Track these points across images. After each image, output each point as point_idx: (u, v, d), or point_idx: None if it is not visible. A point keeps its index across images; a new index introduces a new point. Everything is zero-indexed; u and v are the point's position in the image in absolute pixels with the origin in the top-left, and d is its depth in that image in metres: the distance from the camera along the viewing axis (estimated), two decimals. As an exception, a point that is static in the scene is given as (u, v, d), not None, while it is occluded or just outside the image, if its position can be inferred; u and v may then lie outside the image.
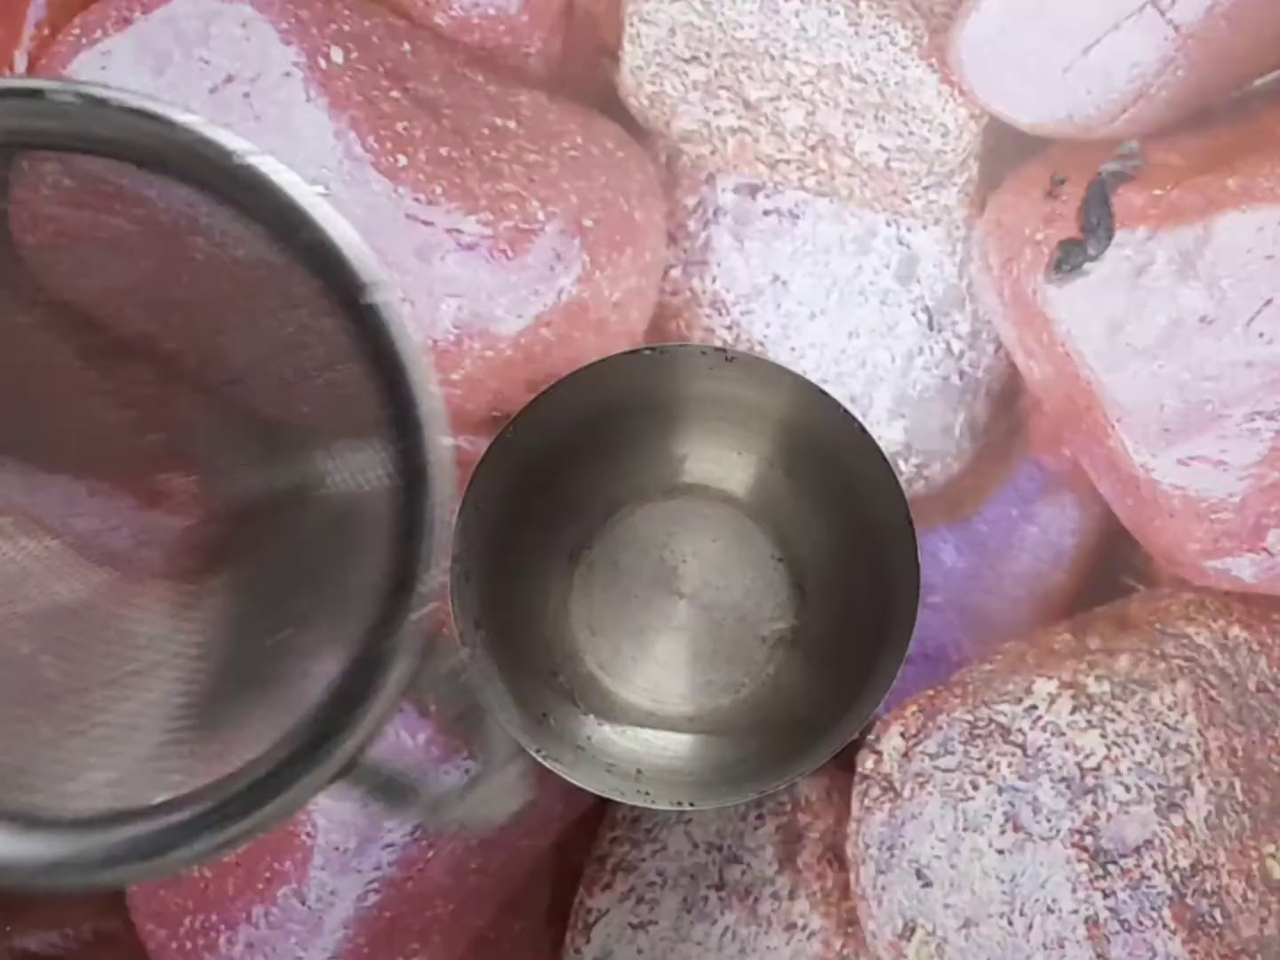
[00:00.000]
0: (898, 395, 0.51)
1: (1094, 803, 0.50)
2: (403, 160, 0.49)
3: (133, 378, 0.29)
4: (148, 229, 0.30)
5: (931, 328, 0.51)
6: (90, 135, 0.28)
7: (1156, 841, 0.50)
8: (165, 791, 0.25)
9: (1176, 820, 0.50)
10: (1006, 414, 0.51)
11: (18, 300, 0.29)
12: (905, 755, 0.49)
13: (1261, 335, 0.51)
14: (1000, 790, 0.49)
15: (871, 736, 0.49)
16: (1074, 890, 0.49)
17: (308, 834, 0.48)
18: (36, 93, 0.28)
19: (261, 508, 0.29)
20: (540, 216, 0.50)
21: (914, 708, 0.49)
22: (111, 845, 0.24)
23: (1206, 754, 0.50)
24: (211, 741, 0.27)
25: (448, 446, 0.25)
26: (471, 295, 0.49)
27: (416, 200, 0.49)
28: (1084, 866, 0.49)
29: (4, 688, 0.27)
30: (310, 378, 0.27)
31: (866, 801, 0.49)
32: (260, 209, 0.27)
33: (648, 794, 0.44)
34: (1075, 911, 0.49)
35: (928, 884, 0.49)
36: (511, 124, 0.50)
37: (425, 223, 0.49)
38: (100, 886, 0.24)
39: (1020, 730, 0.50)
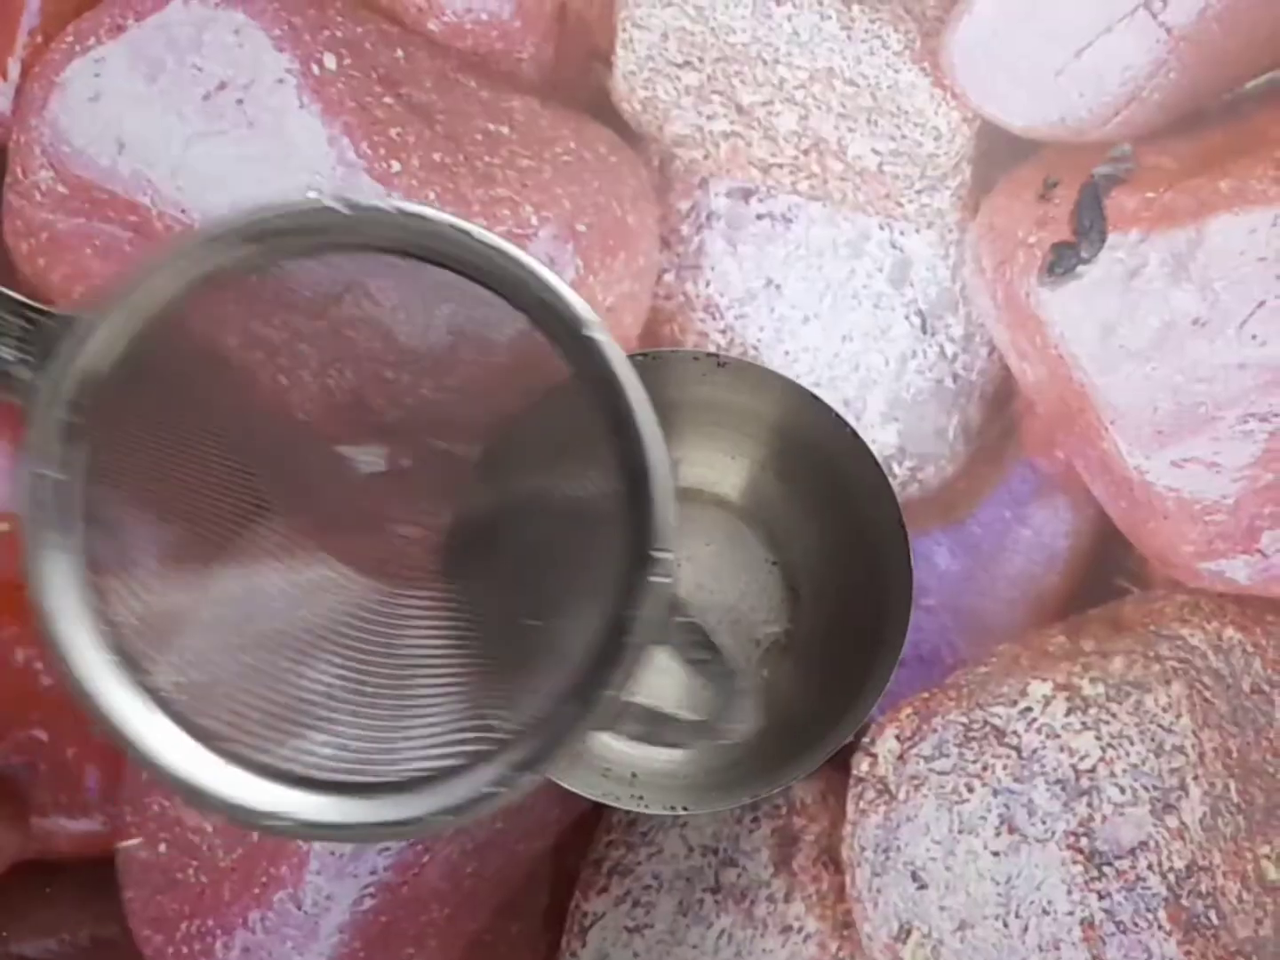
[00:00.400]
0: (891, 399, 0.51)
1: (1089, 805, 0.50)
2: (396, 166, 0.49)
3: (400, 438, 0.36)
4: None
5: (925, 331, 0.51)
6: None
7: (1151, 843, 0.50)
8: (467, 752, 0.32)
9: (1171, 822, 0.50)
10: (1000, 417, 0.51)
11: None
12: (900, 758, 0.49)
13: (1255, 337, 0.51)
14: (995, 792, 0.49)
15: (866, 739, 0.49)
16: (1069, 892, 0.49)
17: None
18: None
19: (512, 513, 0.35)
20: (533, 221, 0.50)
21: (908, 710, 0.49)
22: (441, 801, 0.31)
23: (1201, 755, 0.50)
24: (495, 707, 0.33)
25: (664, 452, 0.32)
26: (466, 301, 0.49)
27: (410, 206, 0.49)
28: (1079, 868, 0.49)
29: (327, 687, 0.33)
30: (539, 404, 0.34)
31: (861, 804, 0.49)
32: (500, 280, 0.34)
33: (641, 799, 0.44)
34: (1070, 913, 0.49)
35: (923, 886, 0.49)
36: (504, 129, 0.50)
37: (419, 228, 0.49)
38: (430, 833, 0.33)
39: (1015, 732, 0.50)
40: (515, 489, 0.36)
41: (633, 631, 0.32)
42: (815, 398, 0.43)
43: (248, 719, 0.32)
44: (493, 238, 0.33)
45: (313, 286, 0.35)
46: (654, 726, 0.34)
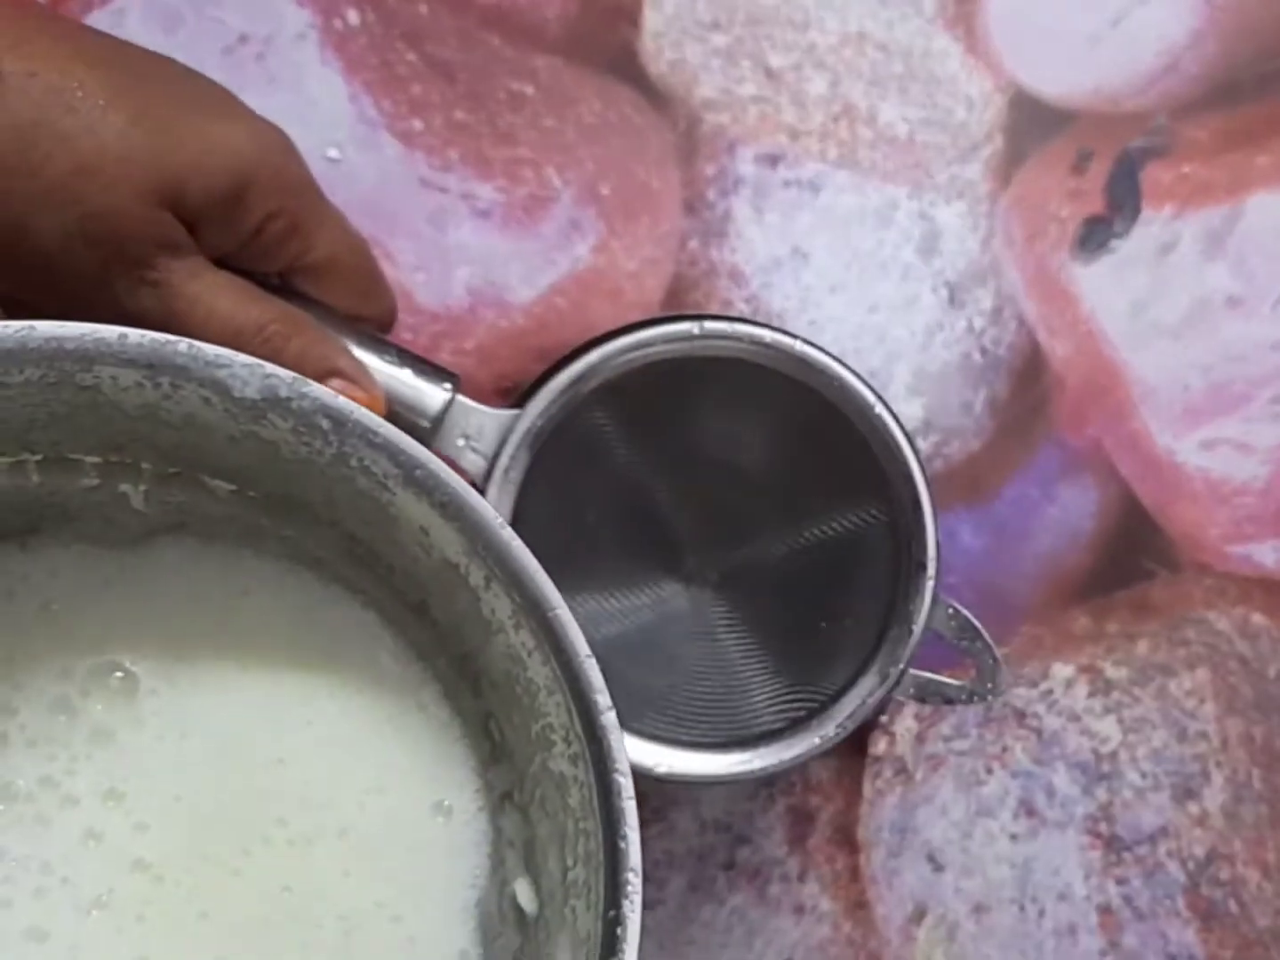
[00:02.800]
0: (917, 371, 0.50)
1: (1109, 789, 0.49)
2: (417, 124, 0.49)
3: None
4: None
5: (952, 304, 0.50)
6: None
7: (1171, 829, 0.49)
8: (791, 718, 0.44)
9: (1192, 808, 0.49)
10: (1028, 393, 0.50)
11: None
12: (919, 738, 0.49)
13: (1289, 316, 0.50)
14: (1014, 775, 0.49)
15: (885, 718, 0.49)
16: (1087, 877, 0.49)
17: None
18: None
19: (803, 547, 0.45)
20: (556, 184, 0.49)
21: (928, 690, 0.49)
22: (777, 755, 0.43)
23: (1224, 742, 0.50)
24: (809, 687, 0.44)
25: (926, 488, 0.43)
26: (485, 263, 0.48)
27: (431, 165, 0.49)
28: (1098, 853, 0.49)
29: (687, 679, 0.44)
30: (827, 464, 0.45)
31: (878, 784, 0.48)
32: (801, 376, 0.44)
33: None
34: (1088, 898, 0.48)
35: (939, 868, 0.48)
36: (528, 89, 0.49)
37: (439, 188, 0.48)
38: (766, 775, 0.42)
39: (1036, 714, 0.49)
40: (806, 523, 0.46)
41: (915, 620, 0.43)
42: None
43: (636, 701, 0.42)
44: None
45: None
46: (929, 692, 0.44)
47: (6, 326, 0.27)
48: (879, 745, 0.49)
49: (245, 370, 0.28)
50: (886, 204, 0.51)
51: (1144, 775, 0.49)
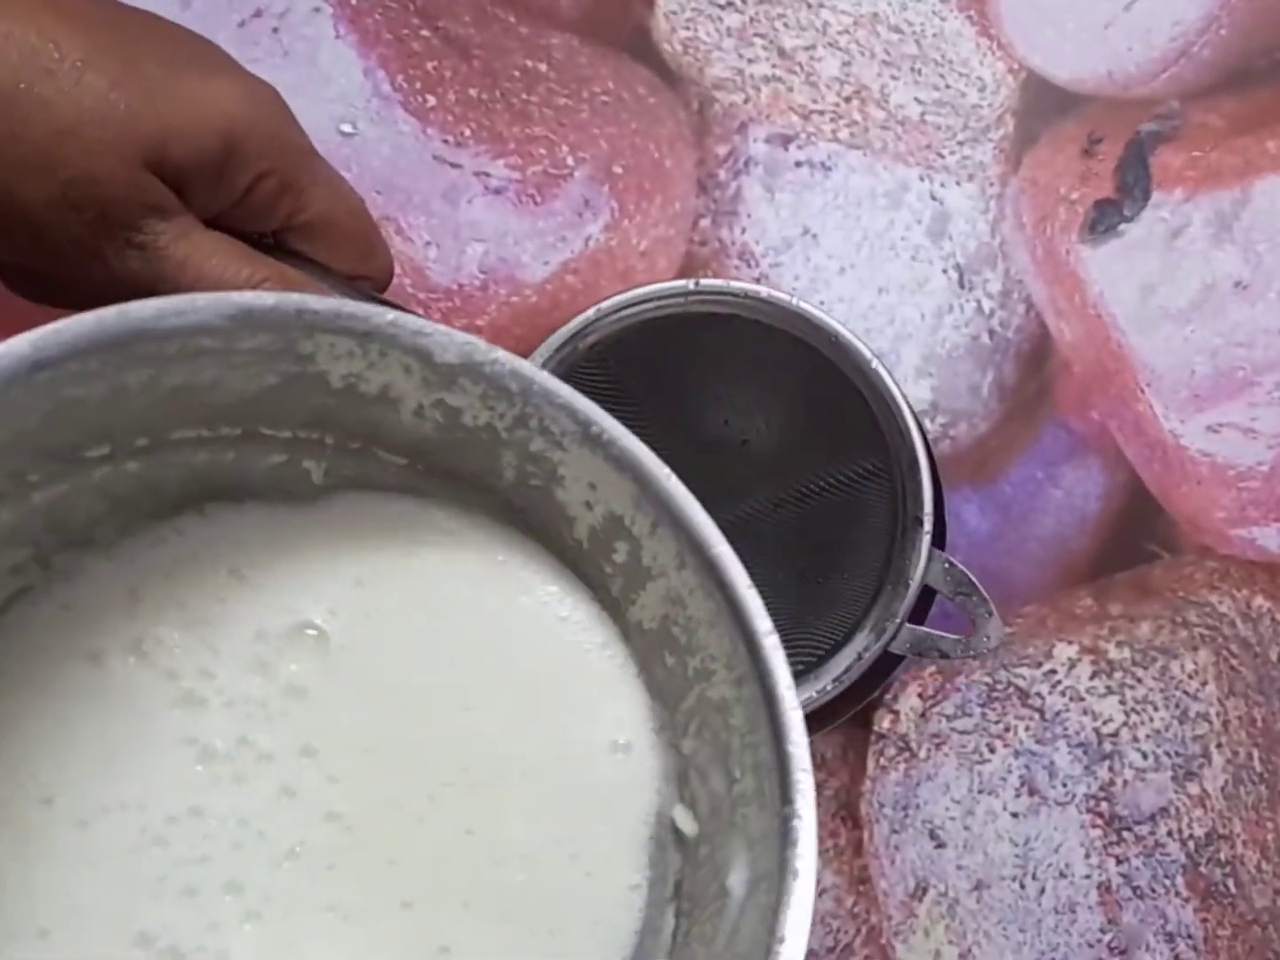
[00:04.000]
0: (926, 353, 0.50)
1: (1110, 769, 0.49)
2: (431, 101, 0.49)
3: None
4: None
5: (962, 286, 0.51)
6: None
7: (1172, 810, 0.49)
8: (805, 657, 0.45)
9: (1193, 789, 0.49)
10: (1035, 375, 0.51)
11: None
12: (923, 716, 0.49)
13: (1297, 302, 0.50)
14: (1017, 754, 0.49)
15: (889, 696, 0.49)
16: (1087, 856, 0.49)
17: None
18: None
19: (799, 503, 0.46)
20: (569, 162, 0.49)
21: (932, 668, 0.49)
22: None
23: (1225, 723, 0.50)
24: (806, 642, 0.45)
25: (923, 443, 0.43)
26: (498, 240, 0.49)
27: (444, 142, 0.49)
28: (1098, 832, 0.49)
29: None
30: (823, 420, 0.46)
31: (882, 761, 0.49)
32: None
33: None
34: (1088, 877, 0.49)
35: (941, 845, 0.48)
36: (542, 66, 0.49)
37: (453, 165, 0.49)
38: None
39: (1039, 694, 0.49)
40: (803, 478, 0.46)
41: (911, 575, 0.43)
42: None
43: None
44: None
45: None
46: (924, 646, 0.44)
47: (258, 296, 0.29)
48: (883, 722, 0.49)
49: (445, 337, 0.30)
50: (898, 185, 0.51)
51: (1145, 756, 0.49)
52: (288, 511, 0.35)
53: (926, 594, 0.45)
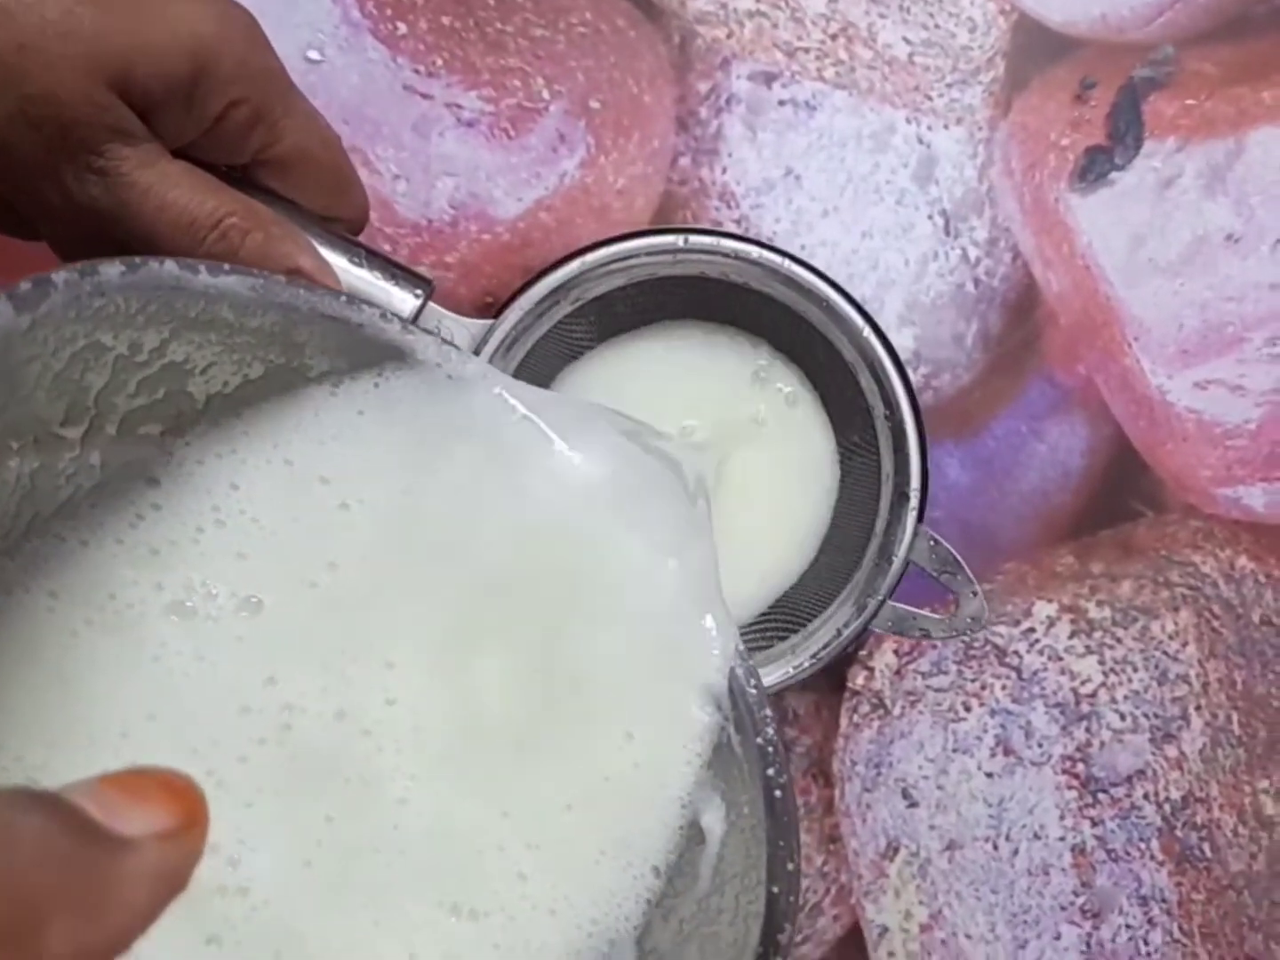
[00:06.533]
0: (909, 301, 0.49)
1: (1087, 730, 0.48)
2: (402, 28, 0.47)
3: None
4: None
5: (948, 232, 0.49)
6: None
7: (1149, 772, 0.48)
8: (767, 644, 0.44)
9: (1170, 751, 0.49)
10: (1021, 327, 0.49)
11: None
12: (897, 673, 0.48)
13: (1289, 256, 0.49)
14: (993, 713, 0.48)
15: (864, 652, 0.48)
16: (1062, 817, 0.48)
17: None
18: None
19: None
20: (544, 95, 0.48)
21: (909, 624, 0.48)
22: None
23: (1205, 685, 0.49)
24: (785, 616, 0.46)
25: (914, 416, 0.42)
26: (469, 175, 0.47)
27: (415, 71, 0.47)
28: (1074, 794, 0.48)
29: None
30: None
31: (855, 718, 0.48)
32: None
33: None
34: (1062, 839, 0.48)
35: (913, 804, 0.48)
36: (518, -5, 0.48)
37: (424, 95, 0.47)
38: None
39: (1016, 653, 0.48)
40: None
41: (895, 552, 0.42)
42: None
43: None
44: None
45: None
46: (907, 625, 0.43)
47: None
48: (857, 679, 0.48)
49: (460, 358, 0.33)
50: (884, 127, 0.49)
51: (1123, 717, 0.49)
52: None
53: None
